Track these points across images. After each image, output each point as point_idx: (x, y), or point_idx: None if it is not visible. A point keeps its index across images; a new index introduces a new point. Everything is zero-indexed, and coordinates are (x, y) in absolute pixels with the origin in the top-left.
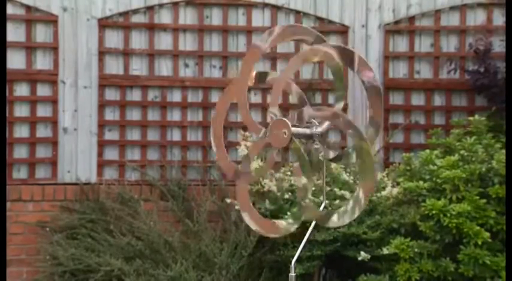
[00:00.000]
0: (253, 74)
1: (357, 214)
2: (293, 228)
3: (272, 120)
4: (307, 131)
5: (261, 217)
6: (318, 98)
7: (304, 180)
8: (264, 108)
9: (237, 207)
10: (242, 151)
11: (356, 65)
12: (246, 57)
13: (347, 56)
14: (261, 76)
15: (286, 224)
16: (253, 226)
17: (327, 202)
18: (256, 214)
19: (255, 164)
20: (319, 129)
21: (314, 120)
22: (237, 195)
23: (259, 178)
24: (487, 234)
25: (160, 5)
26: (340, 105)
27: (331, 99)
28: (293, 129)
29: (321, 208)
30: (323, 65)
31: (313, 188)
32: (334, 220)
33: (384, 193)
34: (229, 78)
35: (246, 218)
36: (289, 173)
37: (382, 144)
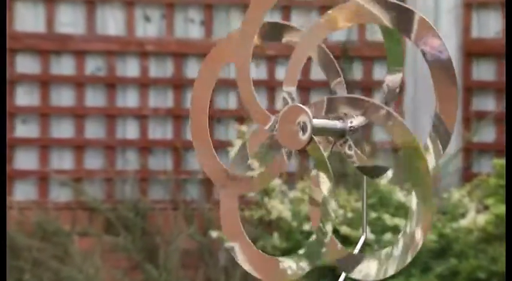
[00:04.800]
0: (261, 25)
1: (408, 260)
2: (305, 272)
3: (284, 107)
4: (338, 124)
5: (260, 253)
6: (358, 70)
7: (321, 197)
8: (270, 88)
9: (226, 244)
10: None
11: (415, 29)
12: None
13: (402, 17)
14: (273, 30)
15: (296, 267)
16: (245, 265)
17: (371, 235)
18: (251, 245)
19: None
20: (356, 123)
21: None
22: (222, 211)
23: (260, 189)
24: None
25: None
26: (396, 77)
27: (377, 71)
28: (315, 121)
29: (359, 244)
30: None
31: (349, 214)
32: (370, 269)
33: (463, 222)
34: (215, 40)
35: (236, 250)
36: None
37: (461, 144)
